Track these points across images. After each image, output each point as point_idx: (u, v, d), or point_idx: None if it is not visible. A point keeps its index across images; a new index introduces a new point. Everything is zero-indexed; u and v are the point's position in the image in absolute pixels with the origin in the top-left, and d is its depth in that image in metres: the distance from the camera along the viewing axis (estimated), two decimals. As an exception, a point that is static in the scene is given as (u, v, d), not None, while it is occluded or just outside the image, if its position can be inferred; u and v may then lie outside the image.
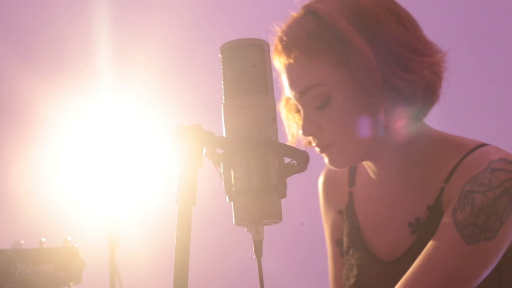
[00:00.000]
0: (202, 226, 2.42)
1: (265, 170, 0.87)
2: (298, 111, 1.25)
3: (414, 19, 1.22)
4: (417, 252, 1.18)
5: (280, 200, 0.90)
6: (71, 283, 1.11)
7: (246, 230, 0.90)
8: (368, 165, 1.30)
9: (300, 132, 1.23)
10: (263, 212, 0.88)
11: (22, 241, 1.10)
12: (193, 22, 2.80)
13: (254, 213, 0.88)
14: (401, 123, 1.18)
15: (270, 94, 0.91)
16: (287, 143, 1.26)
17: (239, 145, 0.88)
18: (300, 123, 1.24)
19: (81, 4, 2.80)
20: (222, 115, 0.92)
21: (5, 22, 2.78)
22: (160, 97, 2.75)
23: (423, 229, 1.21)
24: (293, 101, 1.23)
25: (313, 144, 1.24)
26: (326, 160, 1.24)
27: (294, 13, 1.23)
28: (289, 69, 1.20)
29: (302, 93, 1.19)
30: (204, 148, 0.88)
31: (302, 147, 1.30)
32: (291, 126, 1.32)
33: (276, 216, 0.89)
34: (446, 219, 1.15)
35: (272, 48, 1.22)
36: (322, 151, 1.22)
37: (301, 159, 0.90)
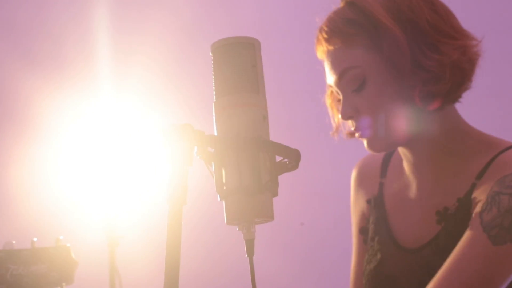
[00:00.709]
0: (194, 225, 2.42)
1: (256, 169, 0.87)
2: (339, 100, 1.30)
3: (448, 8, 1.26)
4: (441, 242, 1.21)
5: (272, 199, 0.89)
6: (64, 284, 1.10)
7: (237, 229, 0.89)
8: (403, 152, 1.32)
9: (340, 116, 1.27)
10: (255, 210, 0.87)
11: (14, 241, 1.09)
12: (193, 20, 2.79)
13: (246, 212, 0.87)
14: (434, 105, 1.21)
15: (261, 93, 0.91)
16: (330, 134, 1.36)
17: (230, 144, 0.88)
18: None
19: (80, 3, 2.80)
20: (213, 114, 0.91)
21: (4, 21, 2.78)
22: (160, 96, 2.74)
23: (450, 220, 1.23)
24: (334, 89, 1.27)
25: (352, 128, 1.27)
26: (365, 143, 1.27)
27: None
28: (328, 55, 1.26)
29: (340, 77, 1.24)
30: (195, 147, 0.88)
31: (344, 138, 1.35)
32: (335, 115, 1.37)
33: (267, 215, 0.88)
34: (474, 220, 1.16)
35: (314, 40, 1.28)
36: (361, 135, 1.26)
37: (293, 157, 0.89)
